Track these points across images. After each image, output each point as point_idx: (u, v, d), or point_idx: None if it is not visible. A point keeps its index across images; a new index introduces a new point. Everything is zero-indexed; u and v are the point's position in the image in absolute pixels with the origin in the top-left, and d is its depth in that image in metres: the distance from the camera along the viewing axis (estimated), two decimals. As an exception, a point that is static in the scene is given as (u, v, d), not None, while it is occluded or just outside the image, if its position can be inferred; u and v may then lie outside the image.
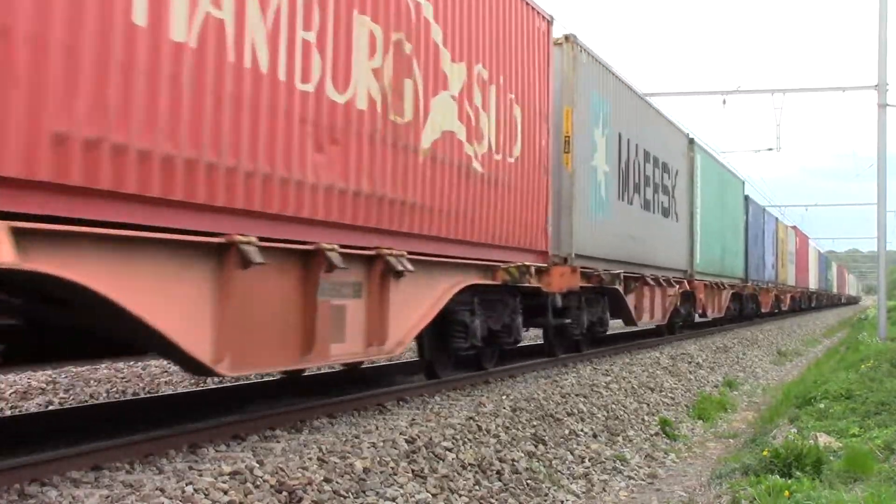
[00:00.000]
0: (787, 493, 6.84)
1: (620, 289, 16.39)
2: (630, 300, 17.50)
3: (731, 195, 29.69)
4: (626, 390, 12.96)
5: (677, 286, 21.07)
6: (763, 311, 36.17)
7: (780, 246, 41.36)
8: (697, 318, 25.75)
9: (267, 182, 6.92)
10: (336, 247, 7.59)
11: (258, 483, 5.82)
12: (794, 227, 50.64)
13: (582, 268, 14.17)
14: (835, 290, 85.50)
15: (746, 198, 33.15)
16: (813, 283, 59.16)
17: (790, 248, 45.76)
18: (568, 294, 13.92)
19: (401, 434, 7.58)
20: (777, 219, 42.71)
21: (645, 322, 19.18)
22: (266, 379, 11.36)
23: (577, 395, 11.36)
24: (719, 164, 28.38)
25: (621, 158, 16.74)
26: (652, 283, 18.84)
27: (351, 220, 8.05)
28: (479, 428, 8.53)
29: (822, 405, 11.88)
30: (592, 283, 14.94)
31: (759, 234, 35.31)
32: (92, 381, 11.09)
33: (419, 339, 10.70)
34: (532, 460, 8.51)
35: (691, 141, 23.60)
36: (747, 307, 32.95)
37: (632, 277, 17.47)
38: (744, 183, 32.75)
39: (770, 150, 33.12)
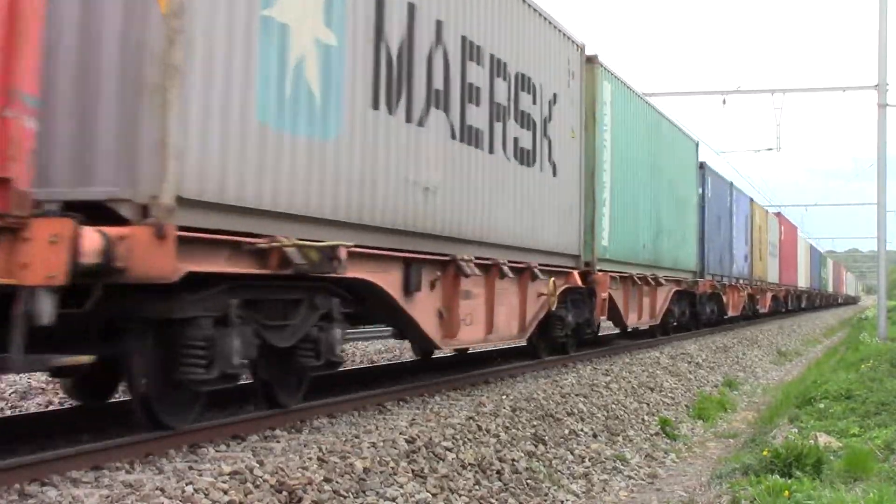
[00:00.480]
0: (787, 493, 6.85)
1: (379, 281, 8.93)
2: (426, 302, 9.92)
3: (675, 157, 21.27)
4: (626, 390, 12.96)
5: (552, 279, 13.14)
6: (731, 314, 28.26)
7: (756, 234, 33.97)
8: (610, 328, 18.67)
9: None
10: None
11: (258, 483, 5.82)
12: (779, 214, 43.61)
13: (217, 232, 6.75)
14: (830, 290, 76.37)
15: (702, 165, 24.84)
16: (803, 281, 51.91)
17: (771, 237, 38.59)
18: (138, 291, 6.37)
19: (401, 434, 7.57)
20: (752, 200, 34.43)
21: (468, 341, 11.27)
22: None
23: (576, 395, 11.36)
24: (652, 107, 19.81)
25: (385, 32, 8.89)
26: (478, 273, 10.74)
27: None
28: (479, 428, 8.53)
29: (822, 405, 11.89)
30: (269, 269, 7.21)
31: (723, 216, 27.91)
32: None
33: None
34: (532, 460, 8.51)
35: (590, 59, 15.25)
36: (704, 310, 24.83)
37: (427, 260, 9.88)
38: (697, 145, 24.12)
39: (770, 150, 33.08)
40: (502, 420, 9.07)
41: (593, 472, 9.03)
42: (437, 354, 14.06)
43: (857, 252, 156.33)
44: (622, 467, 9.56)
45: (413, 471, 6.99)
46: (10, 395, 9.93)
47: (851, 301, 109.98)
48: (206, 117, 6.64)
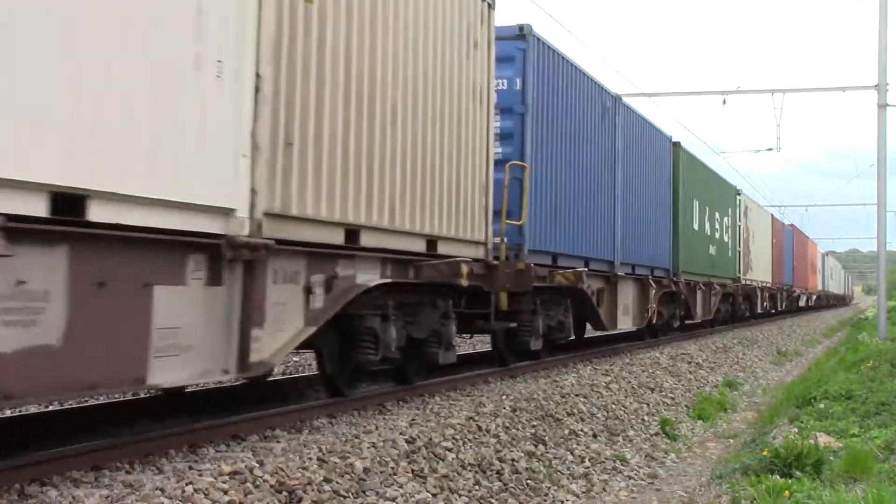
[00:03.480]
0: (787, 493, 6.85)
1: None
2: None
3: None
4: (626, 390, 12.96)
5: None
6: None
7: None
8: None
9: None
10: None
11: (258, 483, 5.82)
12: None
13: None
14: (755, 277, 32.85)
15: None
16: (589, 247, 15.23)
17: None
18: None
19: (401, 434, 7.57)
20: None
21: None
22: (265, 379, 11.35)
23: (576, 395, 11.36)
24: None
25: None
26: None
27: None
28: (479, 428, 8.53)
29: (822, 405, 11.89)
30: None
31: None
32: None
33: None
34: (532, 460, 8.51)
35: None
36: None
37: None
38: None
39: (770, 150, 33.02)
40: (502, 420, 9.07)
41: (593, 473, 9.02)
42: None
43: (857, 252, 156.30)
44: (622, 467, 9.56)
45: (413, 471, 6.98)
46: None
47: (838, 302, 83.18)
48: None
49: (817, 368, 19.70)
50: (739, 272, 29.43)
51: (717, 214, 26.20)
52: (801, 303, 52.14)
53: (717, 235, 26.07)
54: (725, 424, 13.40)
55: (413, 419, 8.46)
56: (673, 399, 14.14)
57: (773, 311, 39.07)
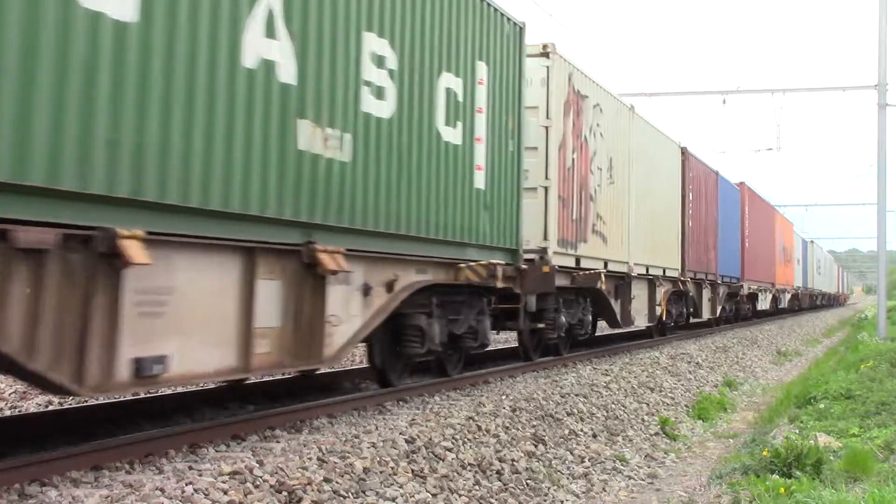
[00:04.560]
0: (787, 492, 6.85)
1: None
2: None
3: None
4: (625, 390, 12.96)
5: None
6: None
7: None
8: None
9: None
10: None
11: (258, 483, 5.82)
12: None
13: None
14: (636, 262, 17.64)
15: None
16: None
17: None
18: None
19: (401, 434, 7.57)
20: None
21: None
22: (267, 380, 11.35)
23: (576, 395, 11.36)
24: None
25: None
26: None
27: None
28: (479, 428, 8.53)
29: (822, 405, 11.89)
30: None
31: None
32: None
33: None
34: (532, 460, 8.51)
35: None
36: None
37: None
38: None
39: (770, 150, 33.05)
40: (502, 420, 9.07)
41: (593, 473, 9.02)
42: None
43: (857, 252, 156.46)
44: (622, 467, 9.56)
45: (413, 471, 6.99)
46: (9, 394, 9.93)
47: (829, 303, 69.85)
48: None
49: (817, 368, 19.71)
50: (546, 237, 13.51)
51: (421, 65, 9.44)
52: (764, 305, 34.34)
53: (420, 125, 9.47)
54: (725, 424, 13.41)
55: (413, 419, 8.46)
56: (673, 399, 14.15)
57: (687, 321, 23.38)
